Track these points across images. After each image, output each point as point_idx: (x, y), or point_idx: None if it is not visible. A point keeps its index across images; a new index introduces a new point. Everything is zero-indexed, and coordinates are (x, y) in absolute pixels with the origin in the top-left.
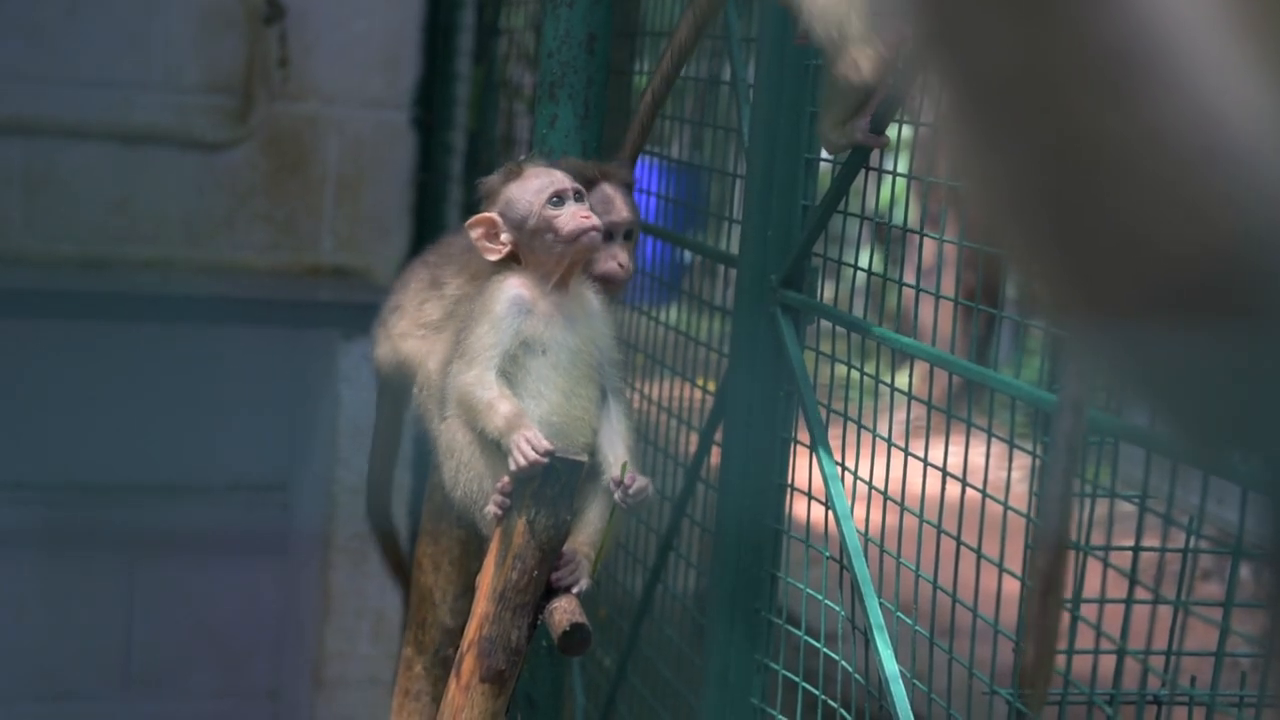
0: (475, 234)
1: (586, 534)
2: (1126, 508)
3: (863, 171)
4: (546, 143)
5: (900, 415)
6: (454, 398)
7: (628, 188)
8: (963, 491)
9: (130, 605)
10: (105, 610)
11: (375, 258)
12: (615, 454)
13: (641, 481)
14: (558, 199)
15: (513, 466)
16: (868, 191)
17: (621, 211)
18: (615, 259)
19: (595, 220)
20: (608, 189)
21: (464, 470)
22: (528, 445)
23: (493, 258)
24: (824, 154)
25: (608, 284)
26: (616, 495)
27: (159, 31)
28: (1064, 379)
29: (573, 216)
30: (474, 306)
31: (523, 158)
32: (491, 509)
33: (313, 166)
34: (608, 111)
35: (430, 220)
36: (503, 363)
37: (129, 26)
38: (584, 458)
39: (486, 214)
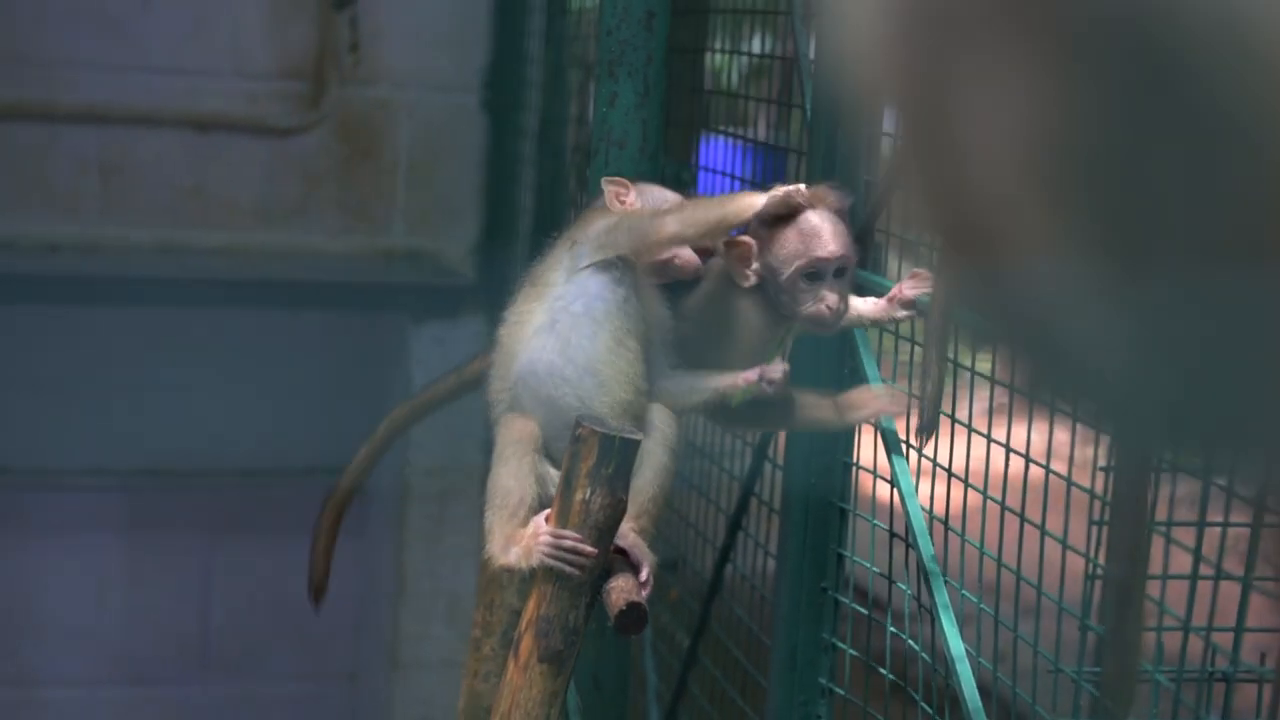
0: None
1: (634, 507)
2: (1191, 483)
3: None
4: (607, 122)
5: (977, 394)
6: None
7: (839, 215)
8: (1025, 468)
9: (208, 589)
10: (184, 594)
11: (447, 241)
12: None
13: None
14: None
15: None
16: None
17: (828, 245)
18: (824, 302)
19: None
20: (813, 218)
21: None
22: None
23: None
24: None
25: (813, 324)
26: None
27: (229, 18)
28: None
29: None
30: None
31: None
32: (539, 558)
33: (384, 150)
34: (669, 89)
35: (502, 203)
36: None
37: (200, 14)
38: (639, 436)
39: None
